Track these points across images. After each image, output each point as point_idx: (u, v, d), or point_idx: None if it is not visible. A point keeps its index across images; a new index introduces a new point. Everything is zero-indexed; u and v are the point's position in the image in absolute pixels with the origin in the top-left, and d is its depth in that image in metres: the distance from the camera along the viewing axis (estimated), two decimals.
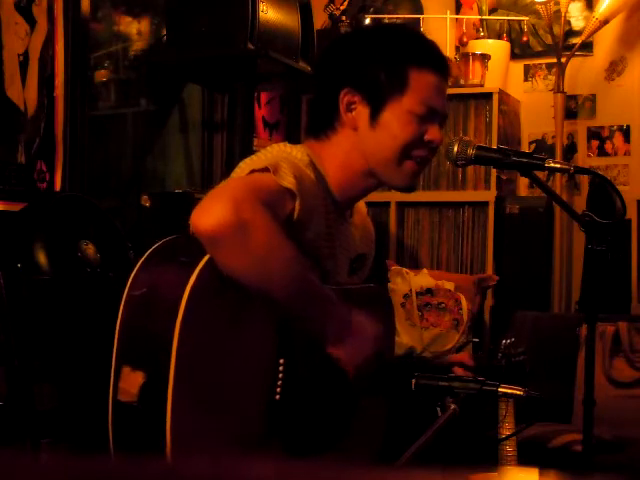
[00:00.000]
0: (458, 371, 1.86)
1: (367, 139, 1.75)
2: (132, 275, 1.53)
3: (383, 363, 1.71)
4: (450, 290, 3.46)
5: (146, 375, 1.46)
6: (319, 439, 1.65)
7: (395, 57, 1.75)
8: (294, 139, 2.26)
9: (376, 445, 1.84)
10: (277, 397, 1.57)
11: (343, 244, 1.81)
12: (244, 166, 1.71)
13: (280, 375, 1.58)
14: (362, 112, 1.74)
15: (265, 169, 1.56)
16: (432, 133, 1.75)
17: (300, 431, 1.62)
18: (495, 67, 3.97)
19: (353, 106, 1.74)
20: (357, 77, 1.74)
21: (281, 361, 1.58)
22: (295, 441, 1.60)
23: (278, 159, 1.61)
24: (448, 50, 4.07)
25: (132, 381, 1.47)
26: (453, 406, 1.56)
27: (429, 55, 1.78)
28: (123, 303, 1.52)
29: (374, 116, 1.73)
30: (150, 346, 1.48)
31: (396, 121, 1.73)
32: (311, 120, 1.85)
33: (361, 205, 1.95)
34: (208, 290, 1.46)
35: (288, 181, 1.56)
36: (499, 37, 4.14)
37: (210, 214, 1.43)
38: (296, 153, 1.71)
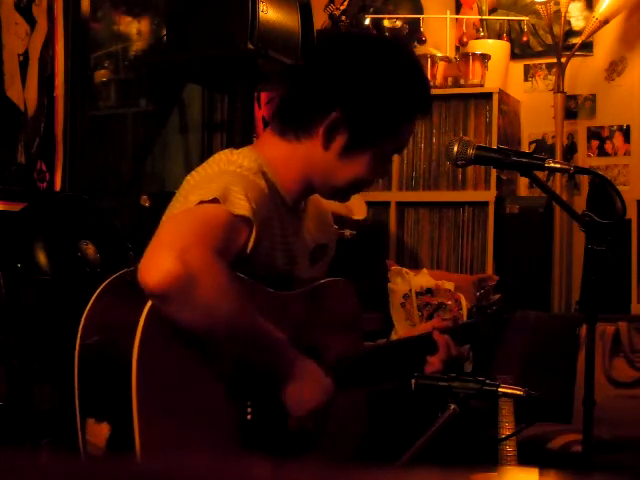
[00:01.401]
0: (436, 336, 1.85)
1: (330, 164, 1.71)
2: (82, 321, 1.49)
3: (326, 417, 1.67)
4: (450, 290, 3.46)
5: (111, 426, 1.44)
6: (296, 447, 1.65)
7: (397, 111, 1.71)
8: None
9: (356, 440, 1.83)
10: (248, 417, 1.57)
11: (299, 240, 1.78)
12: (191, 186, 1.64)
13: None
14: (339, 139, 1.69)
15: (214, 200, 1.49)
16: (386, 169, 1.81)
17: (275, 443, 1.61)
18: (495, 67, 3.97)
19: (335, 129, 1.69)
20: (353, 109, 1.68)
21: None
22: (272, 454, 1.59)
23: (226, 181, 1.55)
24: (448, 50, 4.07)
25: (98, 433, 1.45)
26: (453, 406, 1.56)
27: (425, 106, 1.76)
28: (77, 354, 1.48)
29: (347, 150, 1.70)
30: (110, 395, 1.45)
31: (366, 161, 1.71)
32: (287, 115, 1.76)
33: (316, 197, 1.88)
34: (161, 328, 1.43)
35: (241, 207, 1.51)
36: (499, 37, 4.14)
37: (156, 269, 1.37)
38: (242, 160, 1.65)
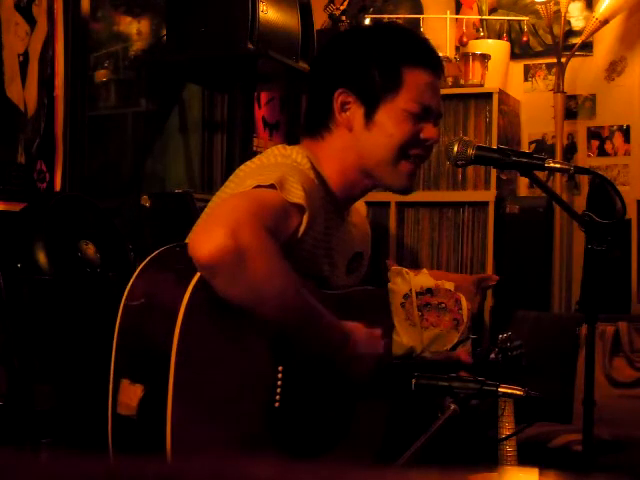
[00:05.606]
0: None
1: (362, 139, 1.74)
2: (129, 285, 1.52)
3: (382, 367, 1.71)
4: (450, 290, 3.46)
5: (145, 388, 1.45)
6: (317, 443, 1.65)
7: (389, 56, 1.74)
8: (294, 139, 2.26)
9: (375, 446, 1.83)
10: (276, 404, 1.57)
11: (340, 244, 1.80)
12: (245, 174, 1.68)
13: (279, 382, 1.57)
14: (357, 112, 1.73)
15: (271, 186, 1.53)
16: (428, 131, 1.75)
17: (299, 436, 1.62)
18: (495, 67, 3.97)
19: (347, 106, 1.74)
20: (351, 77, 1.74)
21: (280, 368, 1.58)
22: (294, 446, 1.60)
23: (283, 171, 1.59)
24: (448, 50, 4.07)
25: (131, 394, 1.46)
26: (453, 406, 1.56)
27: (422, 53, 1.78)
28: (120, 314, 1.51)
29: (369, 116, 1.73)
30: (148, 358, 1.47)
31: (391, 120, 1.72)
32: (307, 120, 1.84)
33: (359, 205, 1.94)
34: (205, 300, 1.45)
35: (297, 196, 1.55)
36: (499, 37, 4.14)
37: (209, 241, 1.41)
38: (296, 156, 1.70)
